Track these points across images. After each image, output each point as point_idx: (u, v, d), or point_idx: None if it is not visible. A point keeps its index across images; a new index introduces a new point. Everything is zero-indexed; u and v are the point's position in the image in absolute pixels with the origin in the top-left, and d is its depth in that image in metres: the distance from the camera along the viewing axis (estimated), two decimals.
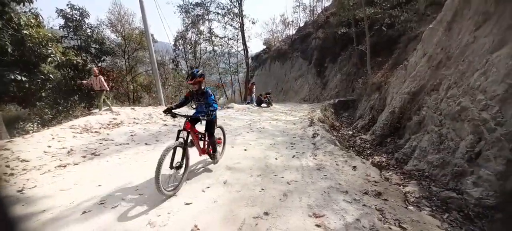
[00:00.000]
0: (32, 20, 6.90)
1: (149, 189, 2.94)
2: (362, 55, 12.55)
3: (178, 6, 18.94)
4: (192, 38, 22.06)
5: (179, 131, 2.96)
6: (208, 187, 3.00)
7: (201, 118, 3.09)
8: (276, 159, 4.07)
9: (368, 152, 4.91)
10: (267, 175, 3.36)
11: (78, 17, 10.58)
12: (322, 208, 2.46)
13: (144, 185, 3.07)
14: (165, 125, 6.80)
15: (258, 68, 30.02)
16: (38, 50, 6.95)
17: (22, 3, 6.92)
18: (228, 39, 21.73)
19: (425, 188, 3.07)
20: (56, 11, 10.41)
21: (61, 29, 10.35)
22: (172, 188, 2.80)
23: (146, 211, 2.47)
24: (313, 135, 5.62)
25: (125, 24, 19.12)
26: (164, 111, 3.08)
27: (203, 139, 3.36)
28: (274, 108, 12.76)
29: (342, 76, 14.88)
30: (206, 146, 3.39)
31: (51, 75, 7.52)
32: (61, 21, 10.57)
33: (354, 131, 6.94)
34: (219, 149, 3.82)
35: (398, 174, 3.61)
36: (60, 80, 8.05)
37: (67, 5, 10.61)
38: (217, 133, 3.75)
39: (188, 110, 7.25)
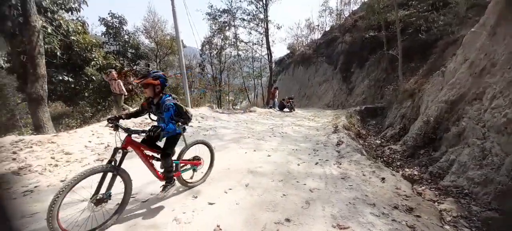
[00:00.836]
0: (79, 27, 7.76)
1: (175, 188, 3.07)
2: (392, 60, 11.88)
3: (206, 13, 19.78)
4: (218, 43, 22.82)
5: (115, 149, 2.20)
6: (231, 189, 3.06)
7: (140, 134, 2.30)
8: (299, 165, 4.01)
9: (398, 164, 4.60)
10: (289, 180, 3.33)
11: (117, 25, 11.64)
12: (347, 220, 2.37)
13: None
14: (191, 126, 7.09)
15: (281, 72, 29.97)
16: (84, 55, 7.77)
17: (70, 12, 7.81)
18: (253, 44, 22.11)
19: (464, 207, 2.80)
20: (99, 20, 11.58)
21: (103, 36, 11.45)
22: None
23: (172, 208, 2.59)
24: (337, 142, 5.44)
25: (158, 31, 20.44)
26: (108, 120, 2.38)
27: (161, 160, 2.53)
28: (296, 114, 12.60)
29: (370, 82, 14.21)
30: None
31: (93, 77, 8.36)
32: (103, 29, 11.73)
33: (383, 140, 6.56)
34: (188, 174, 2.94)
35: (433, 189, 3.33)
36: (100, 82, 8.90)
37: (108, 13, 11.75)
38: (194, 152, 3.00)
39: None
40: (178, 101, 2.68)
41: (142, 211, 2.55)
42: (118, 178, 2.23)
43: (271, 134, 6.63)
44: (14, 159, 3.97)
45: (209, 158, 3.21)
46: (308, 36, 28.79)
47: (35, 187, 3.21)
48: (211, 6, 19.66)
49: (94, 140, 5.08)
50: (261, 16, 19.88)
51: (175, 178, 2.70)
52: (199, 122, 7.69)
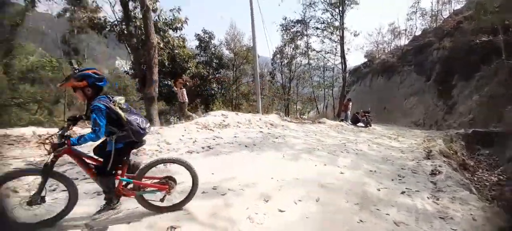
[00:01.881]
0: (181, 43, 9.69)
1: (250, 187, 3.31)
2: None
3: (280, 25, 20.61)
4: (289, 53, 23.23)
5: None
6: (300, 200, 3.03)
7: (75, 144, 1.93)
8: (379, 190, 3.56)
9: None
10: (366, 205, 3.01)
11: (207, 39, 13.81)
12: None
13: (244, 182, 3.47)
14: (261, 131, 7.46)
15: (356, 83, 27.45)
16: (182, 64, 9.63)
17: (175, 30, 9.81)
18: (325, 53, 21.36)
19: None
20: (194, 35, 14.10)
21: (196, 48, 13.83)
22: None
23: (246, 206, 2.79)
24: (432, 171, 4.51)
25: (237, 43, 22.64)
26: (68, 119, 2.22)
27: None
28: (373, 130, 11.24)
29: (481, 99, 11.13)
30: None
31: (187, 82, 10.25)
32: (197, 43, 14.19)
33: (502, 177, 5.00)
34: (156, 195, 2.40)
35: None
36: (191, 88, 10.78)
37: (202, 30, 14.12)
38: (166, 172, 2.63)
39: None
40: (119, 106, 2.07)
41: (219, 203, 2.86)
42: None
43: (344, 149, 6.16)
44: None
45: (191, 180, 2.55)
46: (391, 43, 25.34)
47: None
48: (285, 18, 20.29)
49: (185, 135, 6.10)
50: (336, 23, 19.05)
51: (116, 200, 2.20)
52: (268, 129, 7.99)
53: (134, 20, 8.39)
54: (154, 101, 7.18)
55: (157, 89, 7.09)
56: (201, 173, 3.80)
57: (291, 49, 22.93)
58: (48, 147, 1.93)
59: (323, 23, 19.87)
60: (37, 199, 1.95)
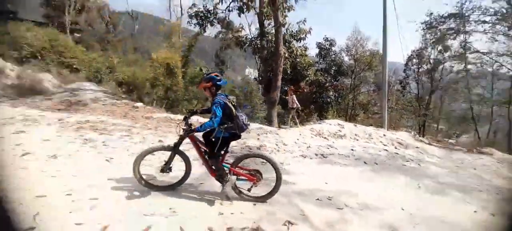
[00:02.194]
0: (303, 51, 10.24)
1: (372, 210, 2.93)
2: None
3: (422, 23, 16.43)
4: (432, 56, 18.21)
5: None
6: None
7: (193, 127, 2.59)
8: None
9: None
10: None
11: (328, 46, 13.68)
12: None
13: (364, 202, 3.12)
14: (385, 149, 6.38)
15: None
16: (302, 72, 10.15)
17: (299, 41, 10.46)
18: (497, 55, 14.82)
19: None
20: (316, 44, 14.40)
21: (316, 56, 14.06)
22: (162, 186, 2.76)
23: (365, 223, 2.52)
24: None
25: (359, 48, 20.64)
26: (188, 111, 3.00)
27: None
28: None
29: None
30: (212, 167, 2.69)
31: (305, 89, 10.68)
32: (317, 50, 14.40)
33: None
34: (246, 184, 2.79)
35: None
36: (306, 94, 11.13)
37: (323, 38, 14.17)
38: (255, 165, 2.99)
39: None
40: (232, 103, 2.57)
41: (335, 216, 2.74)
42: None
43: None
44: (258, 139, 6.11)
45: (275, 177, 2.74)
46: None
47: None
48: (431, 14, 15.93)
49: (300, 140, 6.35)
50: None
51: (226, 176, 2.62)
52: (396, 148, 6.71)
53: (267, 35, 9.81)
54: (275, 105, 8.05)
55: (279, 94, 7.88)
56: (313, 180, 3.87)
57: (436, 51, 17.90)
58: (181, 131, 2.63)
59: (495, 14, 13.91)
60: (166, 168, 2.69)
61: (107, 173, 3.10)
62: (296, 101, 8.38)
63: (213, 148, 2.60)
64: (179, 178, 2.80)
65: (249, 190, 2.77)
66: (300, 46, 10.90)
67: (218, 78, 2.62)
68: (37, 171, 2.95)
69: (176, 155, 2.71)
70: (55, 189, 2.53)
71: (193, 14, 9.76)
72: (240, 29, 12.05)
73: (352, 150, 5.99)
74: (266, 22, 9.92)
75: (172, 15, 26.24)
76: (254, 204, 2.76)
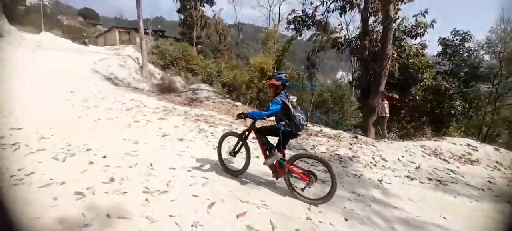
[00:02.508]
0: (419, 50, 8.31)
1: None
2: None
3: None
4: None
5: (244, 130, 3.09)
6: None
7: (249, 116, 2.87)
8: None
9: None
10: None
11: (458, 42, 10.43)
12: None
13: None
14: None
15: None
16: (415, 75, 8.27)
17: (414, 37, 8.58)
18: None
19: None
20: (438, 40, 11.31)
21: (437, 56, 11.07)
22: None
23: None
24: None
25: (508, 43, 14.47)
26: (237, 115, 3.13)
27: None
28: None
29: None
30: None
31: (417, 97, 8.65)
32: (440, 48, 11.28)
33: None
34: (299, 183, 2.79)
35: None
36: (420, 102, 8.95)
37: (451, 32, 10.93)
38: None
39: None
40: (291, 103, 2.70)
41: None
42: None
43: None
44: (350, 148, 5.56)
45: (330, 182, 2.64)
46: None
47: (361, 175, 4.19)
48: None
49: (406, 157, 5.26)
50: None
51: (277, 171, 2.83)
52: None
53: (371, 34, 8.71)
54: (373, 113, 7.02)
55: (380, 101, 6.83)
56: (424, 210, 3.10)
57: None
58: (248, 122, 3.04)
59: None
60: (233, 153, 3.13)
61: (214, 158, 3.75)
62: (386, 109, 7.28)
63: (263, 135, 2.92)
64: (241, 167, 3.17)
65: (302, 189, 2.78)
66: (415, 44, 8.89)
67: (286, 79, 2.84)
68: (170, 149, 3.96)
69: (242, 144, 3.08)
70: (181, 165, 3.31)
71: (291, 19, 10.06)
72: (338, 30, 11.32)
73: (489, 181, 4.37)
74: (370, 19, 8.82)
75: (270, 23, 28.36)
76: (346, 219, 2.55)
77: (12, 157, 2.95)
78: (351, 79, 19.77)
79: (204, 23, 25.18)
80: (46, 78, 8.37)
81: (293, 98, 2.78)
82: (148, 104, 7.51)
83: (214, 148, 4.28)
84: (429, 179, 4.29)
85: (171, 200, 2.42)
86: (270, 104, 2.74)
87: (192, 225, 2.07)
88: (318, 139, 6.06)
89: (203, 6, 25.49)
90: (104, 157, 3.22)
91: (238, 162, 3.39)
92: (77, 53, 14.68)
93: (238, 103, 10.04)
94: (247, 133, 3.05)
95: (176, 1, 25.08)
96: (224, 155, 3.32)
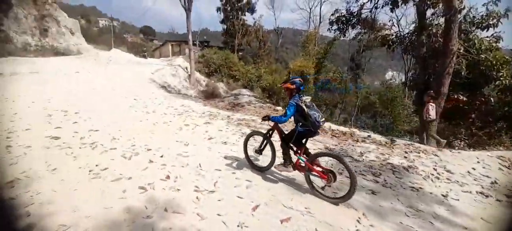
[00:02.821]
0: (493, 44, 6.93)
1: None
2: None
3: None
4: None
5: (268, 130, 3.33)
6: None
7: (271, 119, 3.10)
8: None
9: None
10: None
11: None
12: None
13: None
14: None
15: None
16: (488, 73, 6.91)
17: (486, 29, 7.21)
18: None
19: None
20: None
21: None
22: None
23: None
24: None
25: None
26: (262, 118, 3.35)
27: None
28: None
29: None
30: None
31: (491, 98, 7.18)
32: None
33: None
34: (319, 181, 2.89)
35: None
36: (495, 104, 7.39)
37: None
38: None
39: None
40: (305, 103, 2.83)
41: None
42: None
43: None
44: (405, 157, 4.98)
45: (349, 182, 2.62)
46: None
47: (420, 188, 3.70)
48: None
49: (478, 169, 4.44)
50: None
51: (292, 164, 3.02)
52: None
53: (429, 28, 7.67)
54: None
55: (442, 104, 5.92)
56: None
57: None
58: (271, 123, 3.21)
59: None
60: (259, 150, 3.37)
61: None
62: (431, 112, 6.31)
63: (288, 136, 3.02)
64: (267, 164, 3.36)
65: (322, 188, 2.85)
66: (487, 37, 7.41)
67: (300, 83, 2.98)
68: (216, 151, 4.20)
69: (267, 142, 3.31)
70: (226, 167, 3.48)
71: (334, 20, 9.61)
72: (388, 27, 10.33)
73: None
74: (428, 12, 7.77)
75: (310, 25, 27.75)
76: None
77: (91, 154, 3.56)
78: (404, 80, 17.76)
79: (245, 30, 26.16)
80: (115, 87, 9.85)
81: (307, 99, 2.91)
82: (195, 109, 8.14)
83: (255, 151, 4.39)
84: (509, 197, 3.53)
85: (218, 200, 2.56)
86: (286, 109, 2.89)
87: (238, 226, 2.15)
88: (366, 146, 5.60)
89: (244, 15, 26.52)
90: (161, 156, 3.62)
91: (263, 160, 3.61)
92: (138, 65, 16.88)
93: (279, 108, 10.05)
94: (270, 132, 3.26)
95: (220, 13, 26.74)
96: (251, 153, 3.55)
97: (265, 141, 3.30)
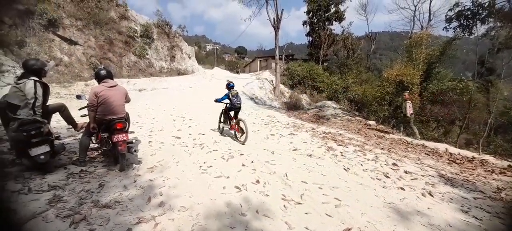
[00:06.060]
0: None
1: None
2: None
3: None
4: None
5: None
6: None
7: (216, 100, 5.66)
8: None
9: None
10: None
11: None
12: None
13: None
14: None
15: None
16: None
17: None
18: None
19: None
20: None
21: None
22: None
23: None
24: None
25: None
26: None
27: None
28: None
29: None
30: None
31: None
32: None
33: None
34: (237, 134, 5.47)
35: None
36: None
37: None
38: (241, 124, 5.37)
39: None
40: (231, 93, 5.30)
41: None
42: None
43: None
44: None
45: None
46: None
47: None
48: None
49: None
50: None
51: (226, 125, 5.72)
52: None
53: None
54: None
55: None
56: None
57: None
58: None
59: None
60: (219, 129, 6.16)
61: (345, 180, 3.53)
62: (408, 109, 7.02)
63: (223, 111, 5.76)
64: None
65: (235, 136, 5.51)
66: None
67: (229, 83, 5.49)
68: (301, 163, 4.20)
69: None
70: (312, 181, 3.40)
71: (453, 16, 7.67)
72: None
73: None
74: None
75: (415, 25, 23.29)
76: None
77: (200, 153, 4.37)
78: None
79: (332, 40, 25.09)
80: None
81: (234, 91, 5.31)
82: (280, 120, 8.48)
83: (344, 169, 4.06)
84: None
85: (305, 213, 2.54)
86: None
87: None
88: (507, 179, 4.03)
89: (332, 24, 25.55)
90: (252, 161, 3.98)
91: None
92: (233, 80, 19.50)
93: (371, 122, 8.89)
94: (222, 112, 5.81)
95: (306, 26, 26.99)
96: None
97: (220, 119, 5.99)
